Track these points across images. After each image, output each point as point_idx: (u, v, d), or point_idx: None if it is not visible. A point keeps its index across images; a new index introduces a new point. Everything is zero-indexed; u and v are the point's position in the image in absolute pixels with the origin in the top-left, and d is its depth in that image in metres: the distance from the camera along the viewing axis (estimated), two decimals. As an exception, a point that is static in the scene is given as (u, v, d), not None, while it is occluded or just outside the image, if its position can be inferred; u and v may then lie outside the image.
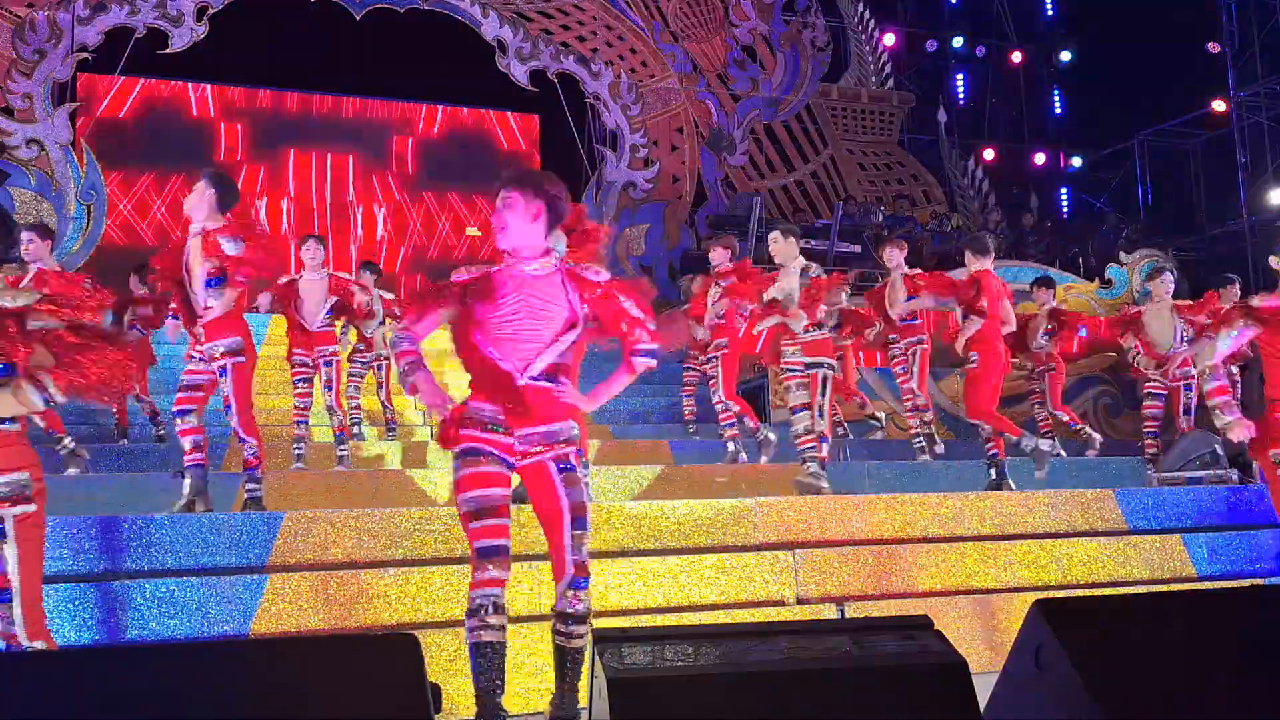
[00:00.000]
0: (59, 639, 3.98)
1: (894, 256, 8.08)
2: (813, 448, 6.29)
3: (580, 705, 3.41)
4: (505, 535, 3.30)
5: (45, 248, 6.76)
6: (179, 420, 5.27)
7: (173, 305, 5.48)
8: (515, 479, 3.45)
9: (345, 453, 7.55)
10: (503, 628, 3.26)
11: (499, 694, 3.26)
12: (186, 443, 5.27)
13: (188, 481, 5.26)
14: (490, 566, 3.24)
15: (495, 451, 3.32)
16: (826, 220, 14.55)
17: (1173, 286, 8.04)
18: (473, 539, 3.28)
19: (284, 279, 7.67)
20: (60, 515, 4.62)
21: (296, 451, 7.45)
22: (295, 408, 7.58)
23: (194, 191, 5.19)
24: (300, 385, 7.58)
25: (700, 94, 15.54)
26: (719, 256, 7.83)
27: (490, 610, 3.23)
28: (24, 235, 6.86)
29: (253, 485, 5.39)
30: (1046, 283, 9.07)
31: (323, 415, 8.03)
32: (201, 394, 5.31)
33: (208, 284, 5.13)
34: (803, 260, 6.56)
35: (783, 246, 6.51)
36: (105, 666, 2.30)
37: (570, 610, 3.34)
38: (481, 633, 3.21)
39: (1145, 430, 7.97)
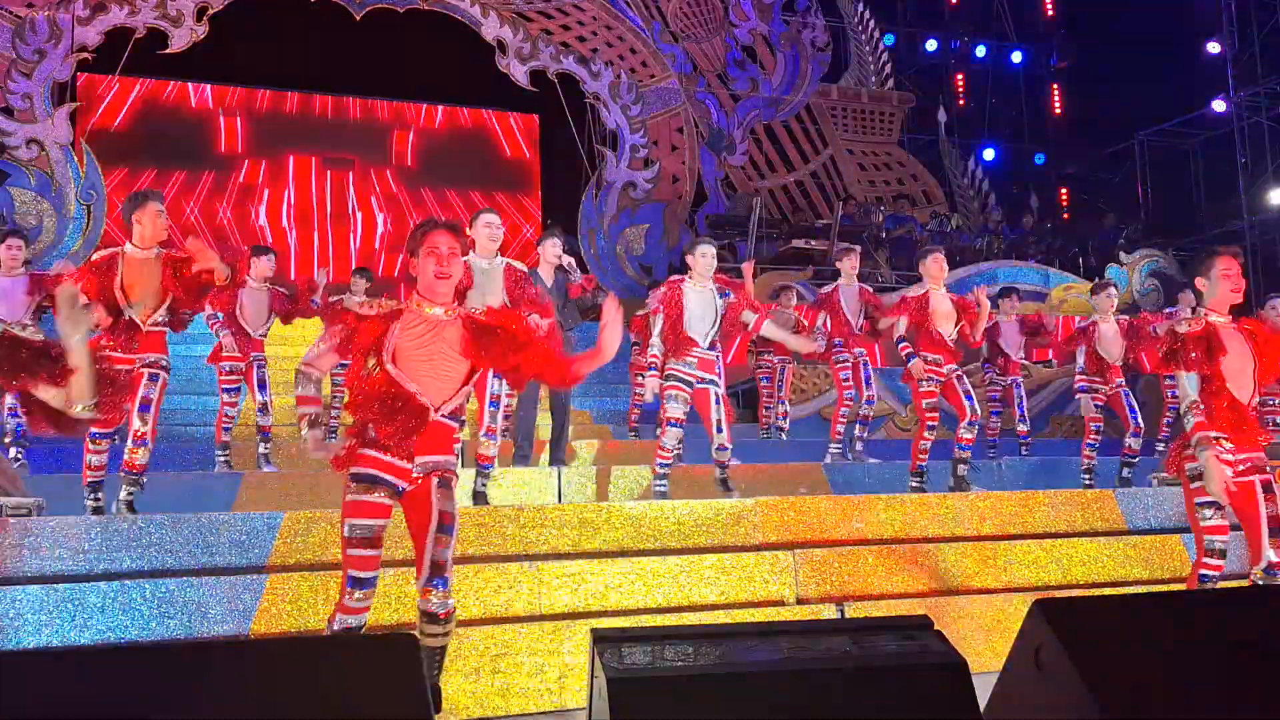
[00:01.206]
0: (59, 639, 3.99)
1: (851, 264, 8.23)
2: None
3: (445, 705, 3.67)
4: (379, 567, 3.49)
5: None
6: (103, 442, 5.21)
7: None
8: None
9: (267, 451, 7.48)
10: None
11: None
12: (101, 460, 5.24)
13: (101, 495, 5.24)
14: (360, 595, 3.44)
15: (390, 479, 3.47)
16: (826, 220, 14.54)
17: (1115, 300, 8.08)
18: (350, 565, 3.43)
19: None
20: (60, 515, 4.63)
21: (222, 458, 7.33)
22: (224, 414, 7.40)
23: (156, 213, 5.20)
24: (229, 393, 7.44)
25: (700, 94, 15.54)
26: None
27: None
28: (13, 240, 6.93)
29: (135, 489, 5.32)
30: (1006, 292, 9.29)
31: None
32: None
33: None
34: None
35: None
36: (105, 666, 2.30)
37: (429, 610, 3.51)
38: None
39: (1089, 442, 7.74)
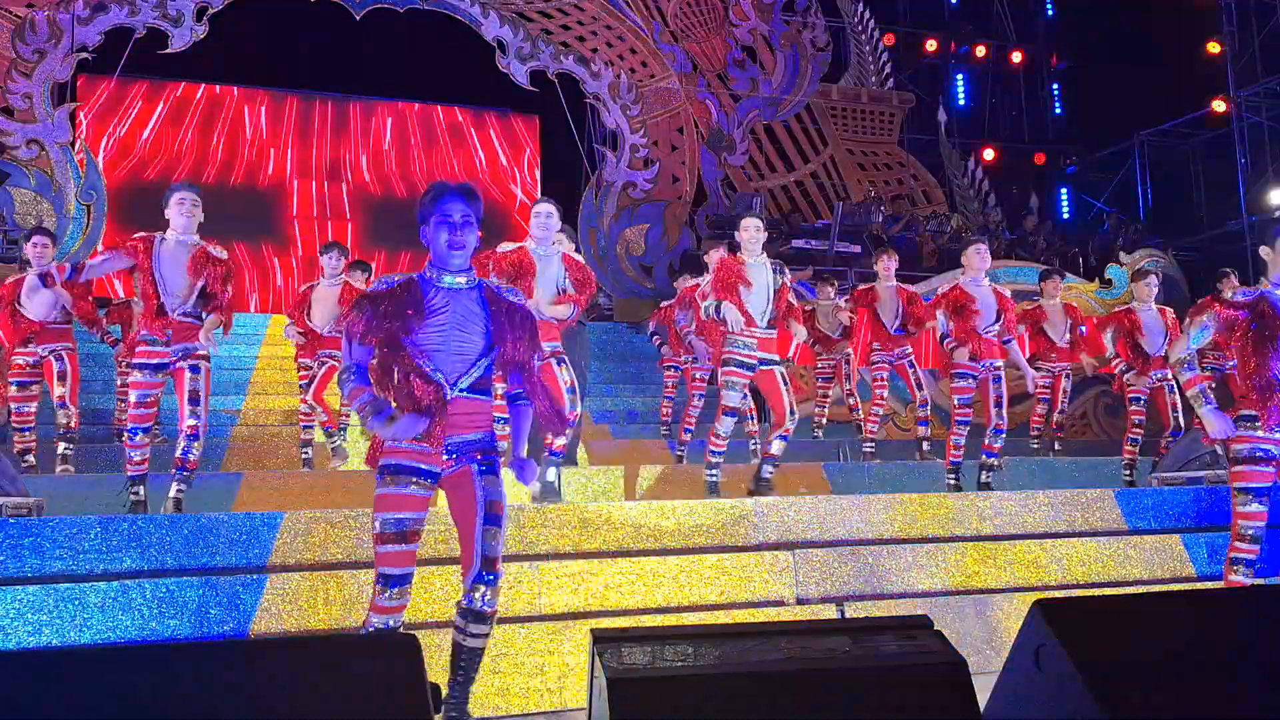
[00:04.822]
0: (60, 639, 3.99)
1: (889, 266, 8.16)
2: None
3: (470, 709, 3.45)
4: (413, 563, 3.30)
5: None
6: (141, 436, 5.24)
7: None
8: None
9: (337, 444, 7.55)
10: None
11: None
12: (141, 455, 5.26)
13: (140, 489, 5.28)
14: (395, 594, 3.26)
15: (421, 466, 3.30)
16: (826, 220, 14.54)
17: (1157, 288, 7.98)
18: (381, 563, 3.26)
19: (303, 286, 7.80)
20: (60, 515, 4.63)
21: (305, 456, 7.47)
22: (301, 412, 7.58)
23: (187, 203, 5.25)
24: (303, 389, 7.60)
25: (700, 94, 15.53)
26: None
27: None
28: (38, 239, 6.98)
29: (184, 486, 5.38)
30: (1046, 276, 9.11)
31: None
32: (155, 409, 5.34)
33: (201, 296, 5.29)
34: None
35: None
36: (106, 667, 2.30)
37: (474, 608, 3.30)
38: None
39: (1130, 437, 7.84)
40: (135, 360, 5.23)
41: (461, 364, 3.32)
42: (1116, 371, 7.97)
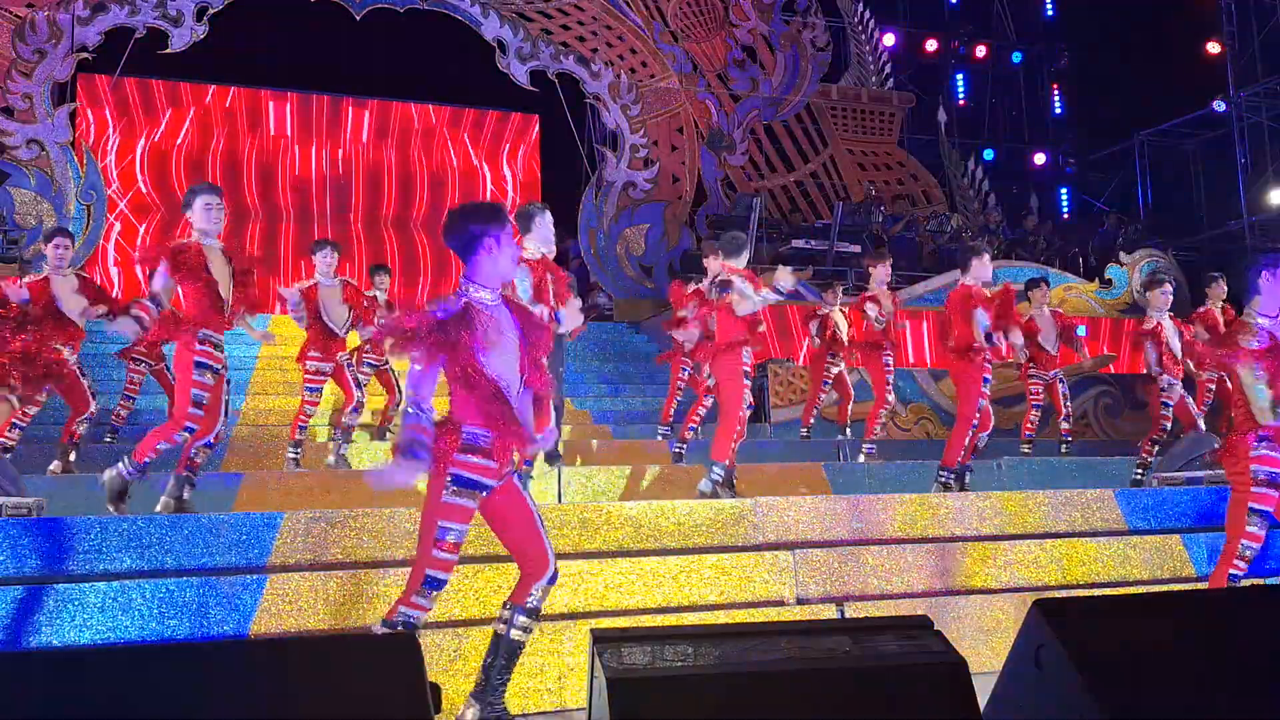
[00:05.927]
0: (59, 639, 3.99)
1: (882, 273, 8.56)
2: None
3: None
4: (452, 571, 3.46)
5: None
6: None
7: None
8: None
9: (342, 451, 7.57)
10: None
11: None
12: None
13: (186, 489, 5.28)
14: (433, 598, 3.42)
15: (489, 481, 3.43)
16: (826, 220, 14.54)
17: (1171, 297, 8.08)
18: (434, 566, 3.38)
19: (307, 283, 7.72)
20: (60, 515, 4.63)
21: (292, 455, 7.44)
22: (304, 412, 7.54)
23: (216, 208, 5.26)
24: (312, 393, 7.56)
25: (700, 94, 15.53)
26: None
27: (411, 631, 3.38)
28: (60, 240, 6.96)
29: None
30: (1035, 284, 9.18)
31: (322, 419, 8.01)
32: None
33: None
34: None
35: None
36: (105, 666, 2.30)
37: (537, 607, 3.54)
38: None
39: (1153, 438, 7.92)
40: (200, 359, 5.19)
41: (518, 378, 3.47)
42: (1154, 375, 8.03)
